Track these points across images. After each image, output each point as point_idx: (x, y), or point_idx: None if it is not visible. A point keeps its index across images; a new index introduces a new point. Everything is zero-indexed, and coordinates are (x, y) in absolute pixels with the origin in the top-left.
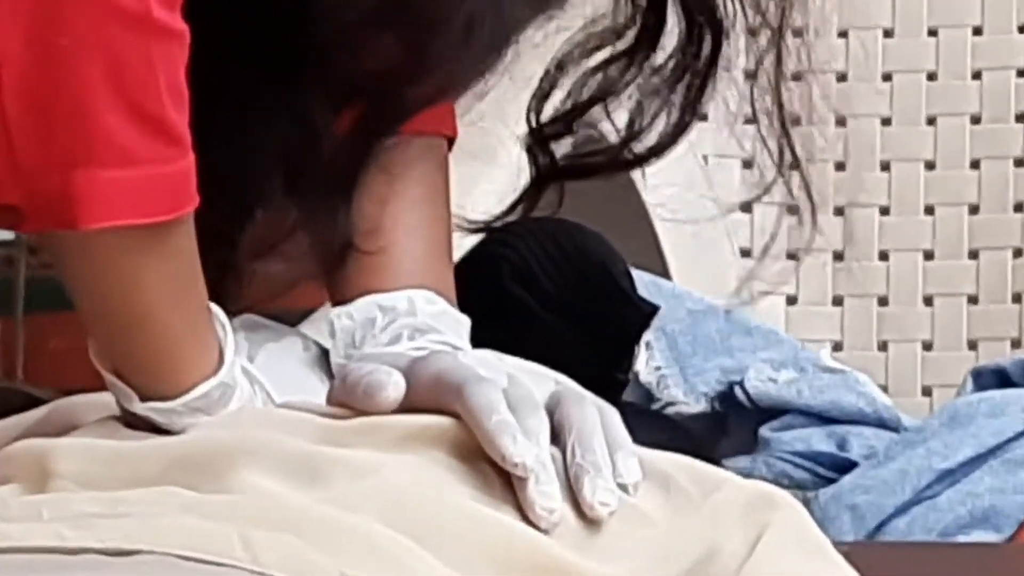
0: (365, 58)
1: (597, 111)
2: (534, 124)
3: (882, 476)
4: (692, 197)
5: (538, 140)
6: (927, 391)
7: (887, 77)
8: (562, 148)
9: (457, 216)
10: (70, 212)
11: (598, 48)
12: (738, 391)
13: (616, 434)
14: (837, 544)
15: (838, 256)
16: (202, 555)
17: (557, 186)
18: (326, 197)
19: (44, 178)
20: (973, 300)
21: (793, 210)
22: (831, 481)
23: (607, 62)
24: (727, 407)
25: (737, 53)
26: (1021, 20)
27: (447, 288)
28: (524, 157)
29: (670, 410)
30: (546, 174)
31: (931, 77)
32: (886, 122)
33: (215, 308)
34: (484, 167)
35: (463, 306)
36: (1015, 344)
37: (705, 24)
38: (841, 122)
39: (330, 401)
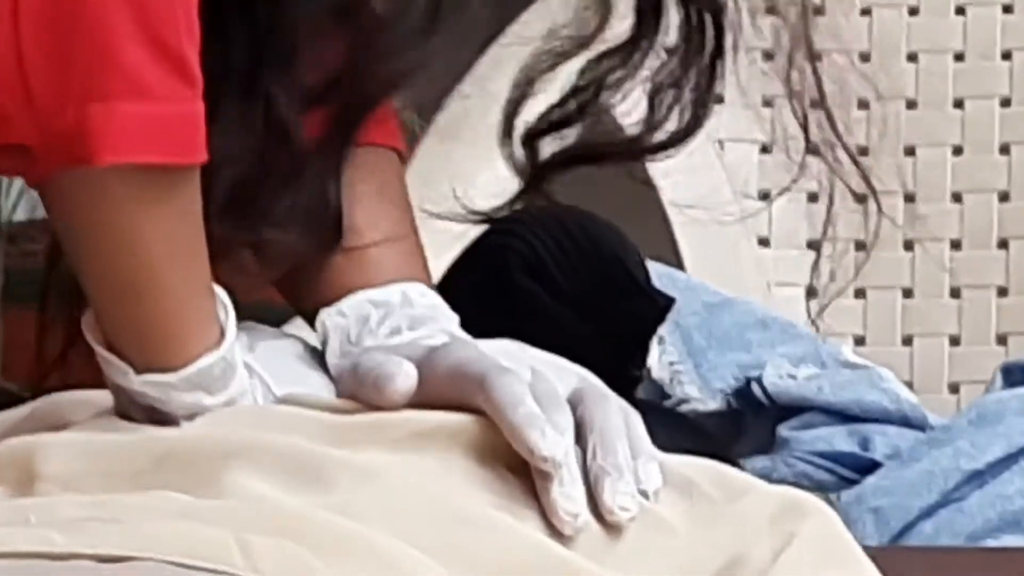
0: (327, 53)
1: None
2: (514, 130)
3: (907, 477)
4: (707, 184)
5: (531, 137)
6: (954, 388)
7: (912, 57)
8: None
9: (460, 206)
10: (85, 147)
11: (565, 56)
12: (755, 387)
13: (637, 437)
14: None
15: (860, 246)
16: (197, 561)
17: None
18: (309, 197)
19: (59, 113)
20: (1002, 292)
21: (813, 198)
22: (853, 482)
23: (607, 54)
24: (744, 404)
25: (756, 34)
26: None
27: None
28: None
29: (684, 407)
30: (551, 163)
31: (958, 58)
32: (911, 105)
33: (217, 288)
34: (486, 155)
35: (467, 298)
36: None
37: (705, 9)
38: (864, 105)
39: (341, 395)
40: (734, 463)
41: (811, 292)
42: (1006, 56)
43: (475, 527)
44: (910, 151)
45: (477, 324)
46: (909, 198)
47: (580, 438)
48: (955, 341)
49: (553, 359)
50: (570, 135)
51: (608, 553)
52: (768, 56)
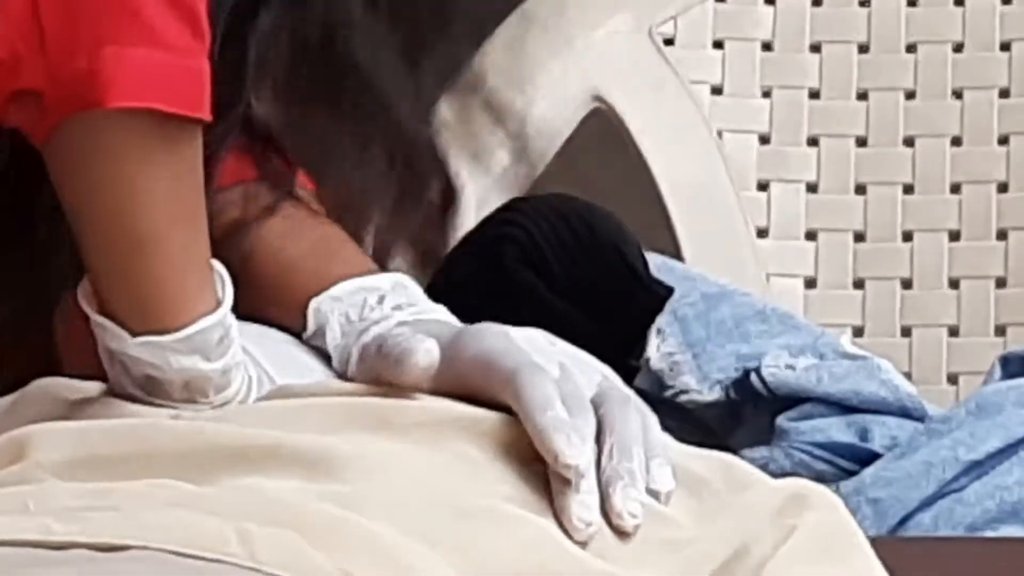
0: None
1: None
2: None
3: (906, 468)
4: (706, 173)
5: None
6: (953, 379)
7: (911, 48)
8: None
9: None
10: (95, 90)
11: None
12: (754, 378)
13: (653, 440)
14: None
15: (859, 236)
16: (195, 551)
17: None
18: None
19: (72, 57)
20: (1001, 283)
21: (813, 188)
22: (852, 473)
23: None
24: (742, 395)
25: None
26: None
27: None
28: None
29: (683, 398)
30: None
31: (957, 49)
32: (910, 96)
33: (215, 261)
34: None
35: (465, 287)
36: None
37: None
38: (862, 95)
39: (360, 373)
40: (734, 453)
41: (810, 283)
42: (1005, 47)
43: (476, 521)
44: (909, 142)
45: (475, 313)
46: (908, 189)
47: (599, 438)
48: (954, 332)
49: (580, 354)
50: None
51: (615, 548)
52: (767, 47)
